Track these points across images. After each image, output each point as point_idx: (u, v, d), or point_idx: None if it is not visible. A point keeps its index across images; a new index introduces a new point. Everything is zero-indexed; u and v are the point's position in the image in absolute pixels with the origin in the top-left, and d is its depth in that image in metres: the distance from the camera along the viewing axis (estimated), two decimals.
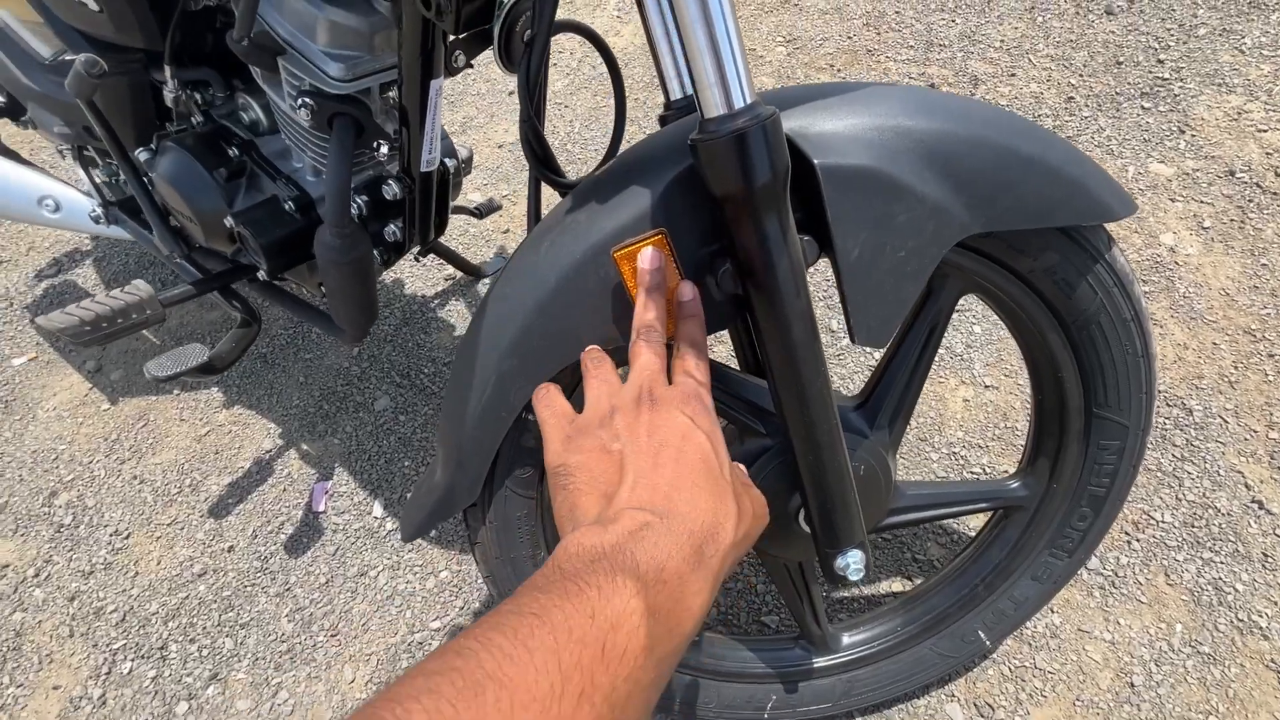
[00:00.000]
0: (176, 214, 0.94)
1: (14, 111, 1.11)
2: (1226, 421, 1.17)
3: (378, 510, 1.25)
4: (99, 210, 1.09)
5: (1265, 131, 1.64)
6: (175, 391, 1.49)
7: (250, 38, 0.68)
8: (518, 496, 0.69)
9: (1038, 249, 0.61)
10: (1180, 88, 1.77)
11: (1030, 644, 0.99)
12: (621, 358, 0.55)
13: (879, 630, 0.90)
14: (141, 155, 0.90)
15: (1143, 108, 1.74)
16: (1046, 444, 0.77)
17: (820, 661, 0.90)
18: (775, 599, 1.07)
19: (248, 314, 1.03)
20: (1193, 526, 1.07)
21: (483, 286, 1.58)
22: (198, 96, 0.90)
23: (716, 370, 0.68)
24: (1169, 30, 1.93)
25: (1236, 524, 1.06)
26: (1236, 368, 1.24)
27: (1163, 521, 1.08)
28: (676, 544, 0.36)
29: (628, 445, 0.41)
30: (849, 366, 1.34)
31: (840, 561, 0.66)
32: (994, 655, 0.98)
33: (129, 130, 0.91)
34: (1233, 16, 1.92)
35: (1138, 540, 1.06)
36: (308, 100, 0.73)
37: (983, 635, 0.87)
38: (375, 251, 0.92)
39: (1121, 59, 1.87)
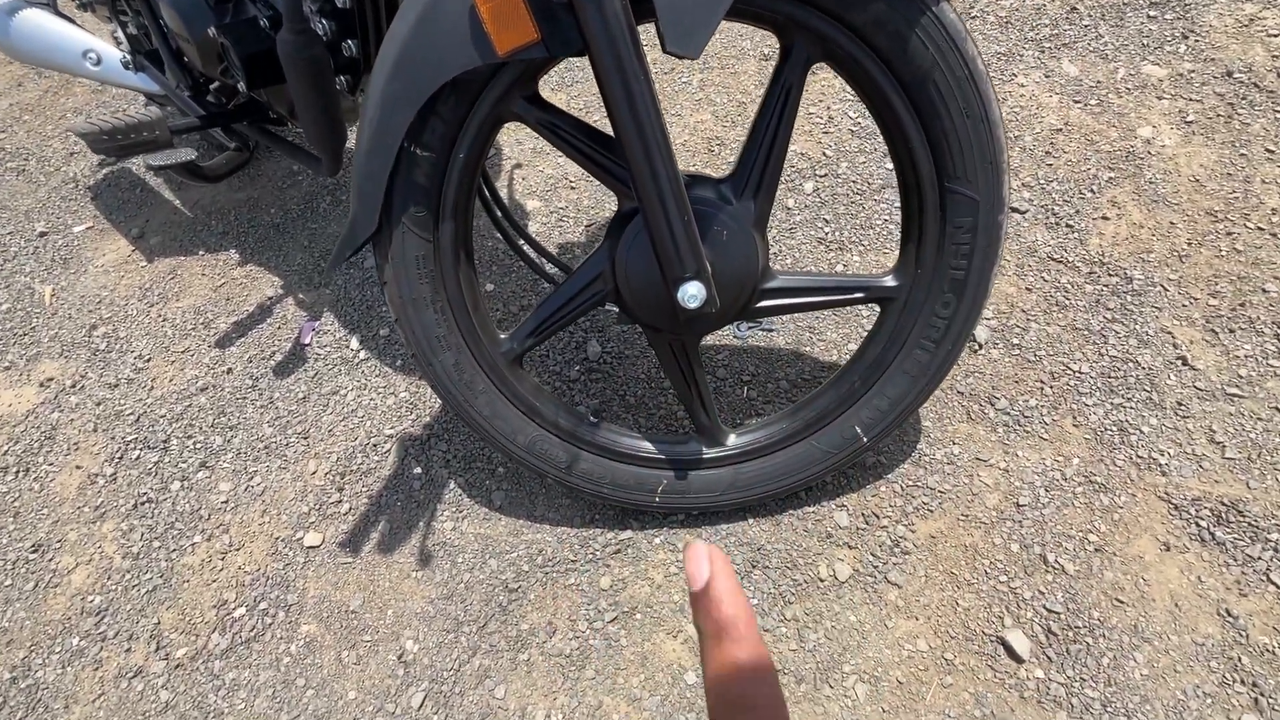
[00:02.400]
0: (176, 38, 1.09)
1: None
2: (1167, 289, 1.17)
3: (355, 344, 1.39)
4: (128, 57, 1.27)
5: (1277, 36, 1.57)
6: (200, 252, 1.68)
7: None
8: (415, 236, 0.80)
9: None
10: None
11: (925, 468, 1.03)
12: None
13: (767, 430, 0.97)
14: None
15: (1148, 16, 1.69)
16: (910, 228, 0.82)
17: (709, 453, 0.97)
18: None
19: (241, 144, 1.17)
20: (1109, 377, 1.08)
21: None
22: None
23: (595, 134, 0.77)
24: None
25: (1155, 377, 1.07)
26: (1190, 244, 1.22)
27: (1079, 372, 1.09)
28: None
29: None
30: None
31: (681, 292, 0.74)
32: (888, 475, 1.03)
33: None
34: None
35: (1050, 387, 1.08)
36: None
37: (859, 431, 0.93)
38: (341, 79, 1.05)
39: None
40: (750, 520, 1.02)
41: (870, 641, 0.90)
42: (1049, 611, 0.89)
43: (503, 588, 1.02)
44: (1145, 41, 1.63)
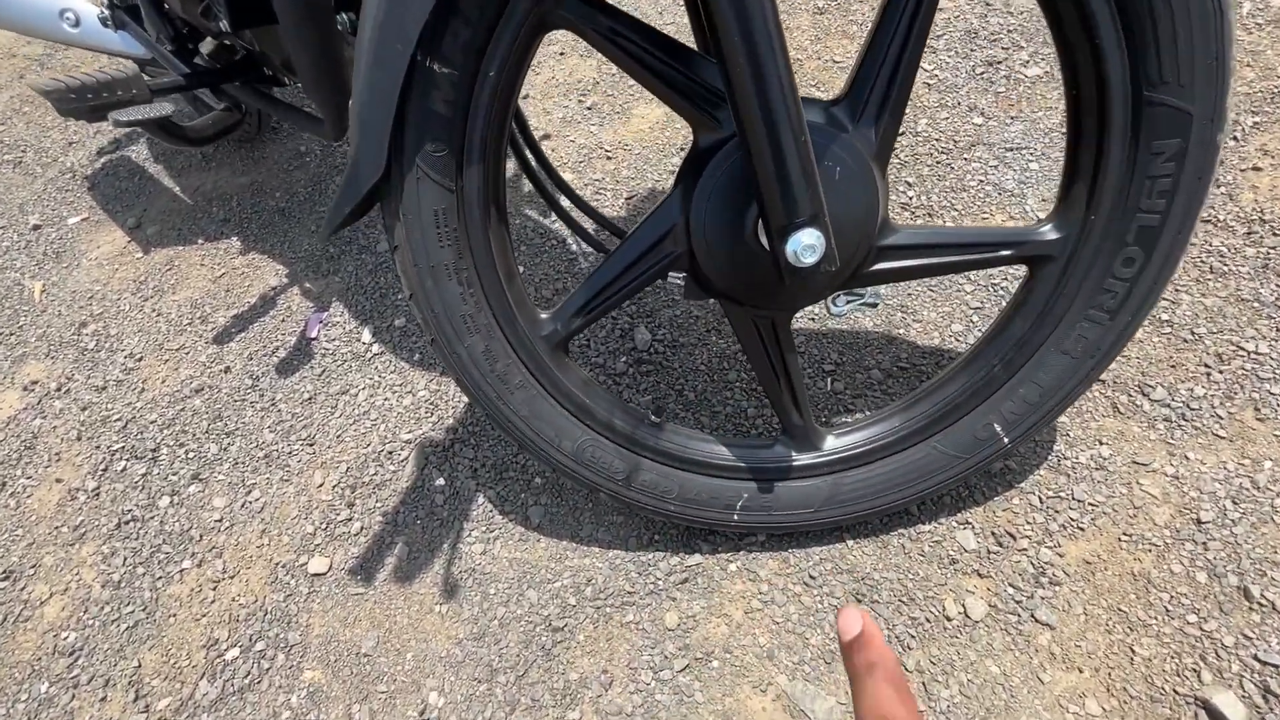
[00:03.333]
0: None
1: None
2: None
3: (366, 337, 1.22)
4: (106, 13, 1.11)
5: None
6: (200, 241, 1.53)
7: None
8: (433, 183, 0.61)
9: None
10: None
11: (1067, 475, 0.83)
12: None
13: (875, 430, 0.77)
14: None
15: None
16: (1083, 159, 0.62)
17: (802, 459, 0.78)
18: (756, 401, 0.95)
19: (232, 104, 1.01)
20: None
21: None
22: None
23: (671, 46, 0.58)
24: None
25: None
26: None
27: (1256, 353, 0.88)
28: None
29: None
30: None
31: (793, 244, 0.55)
32: (1020, 485, 0.83)
33: None
34: None
35: (1220, 373, 0.87)
36: None
37: (999, 429, 0.73)
38: (343, 17, 0.87)
39: None
40: (850, 542, 0.83)
41: (1022, 701, 0.70)
42: (1263, 664, 0.68)
43: (545, 626, 0.83)
44: None
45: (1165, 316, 0.93)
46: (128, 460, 1.14)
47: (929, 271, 0.69)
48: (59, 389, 1.30)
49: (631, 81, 1.51)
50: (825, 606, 0.79)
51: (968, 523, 0.82)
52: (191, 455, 1.13)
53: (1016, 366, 0.70)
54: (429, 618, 0.88)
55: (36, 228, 1.68)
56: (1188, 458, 0.81)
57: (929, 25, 0.57)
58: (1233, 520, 0.76)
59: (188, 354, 1.29)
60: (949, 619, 0.76)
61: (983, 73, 1.35)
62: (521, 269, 1.27)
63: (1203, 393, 0.86)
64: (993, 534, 0.80)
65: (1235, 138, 1.12)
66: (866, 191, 0.62)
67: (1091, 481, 0.82)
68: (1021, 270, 0.74)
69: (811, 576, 0.81)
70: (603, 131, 1.49)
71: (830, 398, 0.96)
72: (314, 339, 1.25)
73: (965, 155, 1.22)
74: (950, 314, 1.01)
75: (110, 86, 0.92)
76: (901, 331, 1.01)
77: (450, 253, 0.65)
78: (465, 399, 1.08)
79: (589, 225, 1.13)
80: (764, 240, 0.60)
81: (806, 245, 0.54)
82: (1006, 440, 0.73)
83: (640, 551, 0.87)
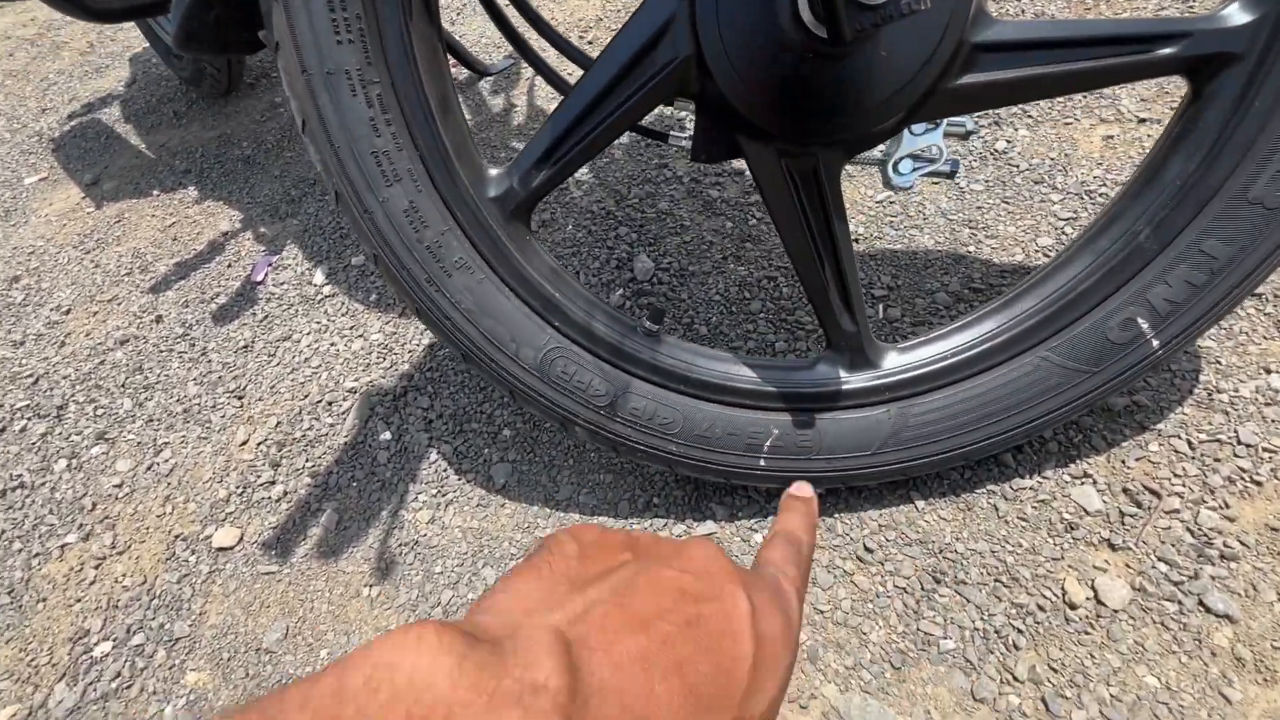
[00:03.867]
0: None
1: None
2: None
3: (319, 278, 1.03)
4: None
5: None
6: (155, 193, 1.37)
7: None
8: None
9: None
10: None
11: (1225, 412, 0.60)
12: None
13: (958, 339, 0.55)
14: None
15: None
16: None
17: (854, 381, 0.56)
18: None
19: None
20: None
21: (485, 84, 1.35)
22: None
23: None
24: None
25: None
26: None
27: None
28: None
29: (643, 566, 0.24)
30: None
31: None
32: (1157, 427, 0.60)
33: None
34: None
35: None
36: None
37: (1144, 325, 0.50)
38: None
39: None
40: (920, 503, 0.60)
41: None
42: None
43: None
44: None
45: None
46: (29, 419, 0.96)
47: (1045, 87, 0.47)
48: None
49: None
50: (889, 589, 0.56)
51: (1087, 476, 0.59)
52: (101, 413, 0.94)
53: (1176, 230, 0.48)
54: (354, 603, 0.66)
55: None
56: None
57: None
58: None
59: (119, 305, 1.12)
60: (1073, 607, 0.52)
61: None
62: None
63: None
64: (1126, 491, 0.57)
65: None
66: None
67: (1263, 420, 0.59)
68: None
69: (868, 549, 0.58)
70: None
71: (885, 326, 0.74)
72: (260, 283, 1.06)
73: None
74: (1034, 227, 0.79)
75: None
76: (972, 250, 0.79)
77: (353, 53, 0.45)
78: (427, 338, 0.88)
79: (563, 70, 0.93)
80: (804, 4, 0.39)
81: None
82: (1156, 344, 0.50)
83: (634, 518, 0.65)
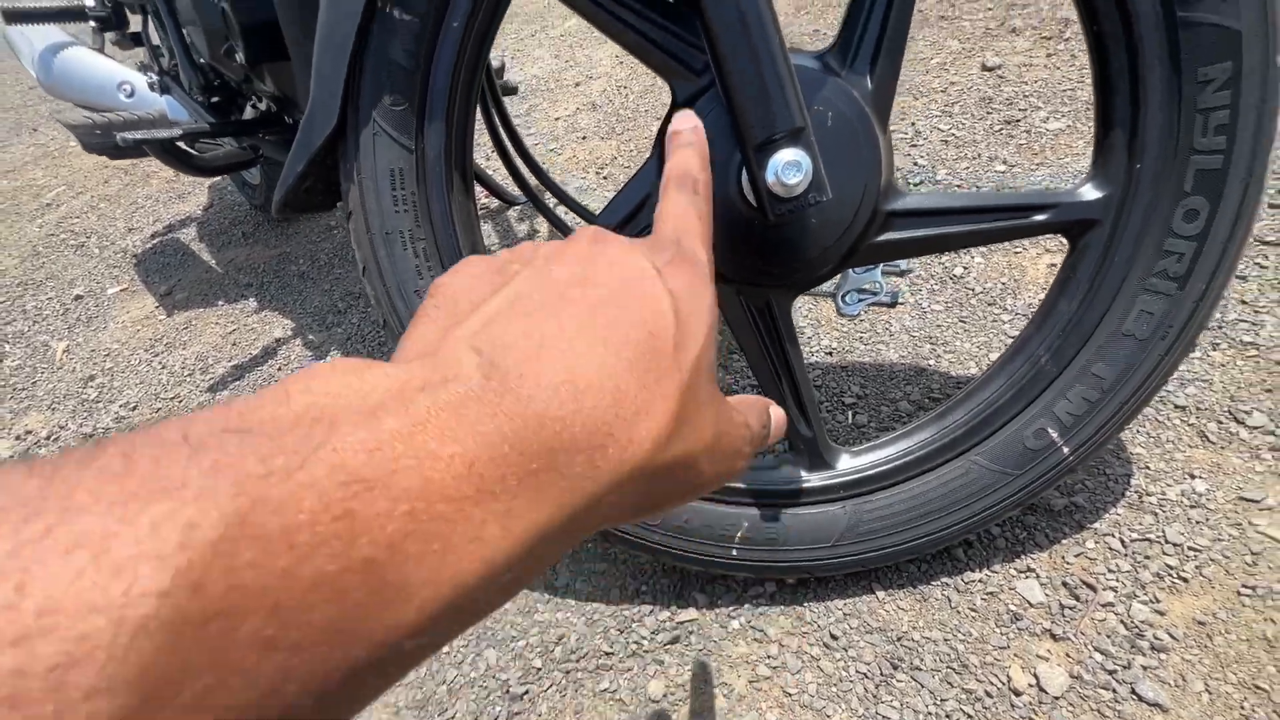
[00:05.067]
0: (189, 29, 1.00)
1: (116, 21, 1.29)
2: None
3: None
4: (154, 79, 1.20)
5: None
6: (220, 303, 1.56)
7: None
8: (391, 140, 0.58)
9: None
10: None
11: (1155, 513, 0.66)
12: None
13: (901, 445, 0.64)
14: None
15: None
16: (1117, 102, 0.54)
17: (813, 480, 0.65)
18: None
19: (250, 148, 1.04)
20: None
21: (514, 213, 1.55)
22: None
23: None
24: None
25: None
26: None
27: None
28: (474, 432, 0.16)
29: (532, 269, 0.23)
30: None
31: (772, 165, 0.47)
32: (1094, 526, 0.67)
33: None
34: None
35: None
36: None
37: (1054, 435, 0.59)
38: None
39: None
40: (882, 593, 0.66)
41: None
42: None
43: (503, 693, 0.67)
44: None
45: (1247, 338, 0.80)
46: None
47: (948, 243, 0.59)
48: (49, 437, 1.27)
49: (644, 155, 1.55)
50: (851, 675, 0.61)
51: (1030, 570, 0.65)
52: None
53: (1068, 356, 0.58)
54: None
55: (79, 298, 1.76)
56: None
57: None
58: None
59: (180, 403, 1.26)
60: (1017, 693, 0.57)
61: (1001, 130, 1.33)
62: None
63: None
64: (1065, 585, 0.63)
65: None
66: (865, 141, 0.55)
67: (1188, 521, 0.65)
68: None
69: (833, 636, 0.64)
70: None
71: (853, 431, 0.83)
72: None
73: None
74: (987, 344, 0.89)
75: (135, 124, 0.96)
76: (931, 363, 0.89)
77: (407, 219, 0.60)
78: None
79: (566, 215, 1.08)
80: (747, 187, 0.52)
81: (789, 163, 0.47)
82: (1067, 451, 0.59)
83: (623, 605, 0.72)
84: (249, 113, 1.13)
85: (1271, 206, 0.98)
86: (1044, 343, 0.59)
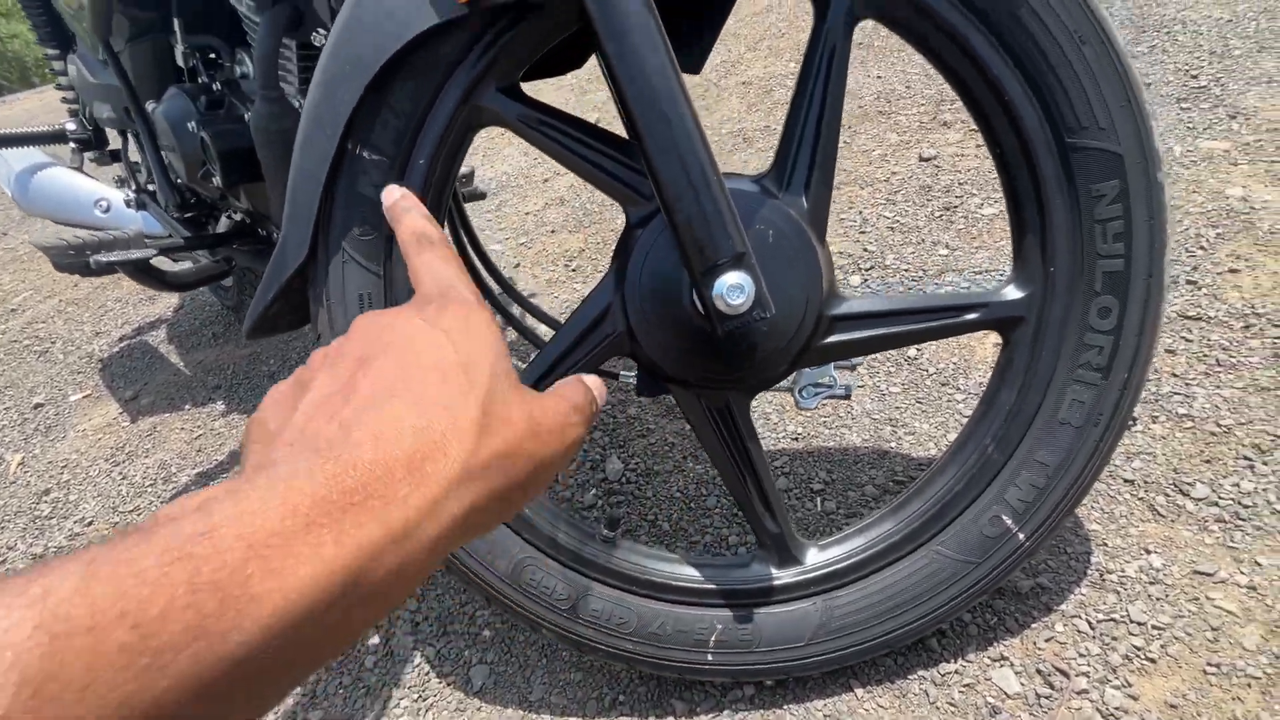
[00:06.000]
0: (165, 150, 1.04)
1: (96, 142, 1.34)
2: None
3: None
4: (131, 196, 1.24)
5: None
6: (187, 407, 1.54)
7: None
8: (360, 267, 0.60)
9: None
10: (1222, 91, 1.66)
11: (1117, 592, 0.68)
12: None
13: (865, 537, 0.66)
14: (149, 105, 1.04)
15: (1181, 108, 1.62)
16: (1026, 213, 0.60)
17: (783, 577, 0.65)
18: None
19: (224, 261, 1.07)
20: None
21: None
22: (206, 59, 1.04)
23: (595, 131, 0.61)
24: (1198, 58, 1.87)
25: None
26: None
27: None
28: (294, 489, 0.21)
29: (325, 371, 0.27)
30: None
31: (718, 288, 0.51)
32: (1061, 607, 0.68)
33: (150, 89, 1.07)
34: (1270, 37, 1.84)
35: (1264, 464, 0.76)
36: None
37: (1009, 521, 0.61)
38: None
39: (1150, 81, 1.81)
40: (860, 690, 0.65)
41: None
42: None
43: None
44: (1190, 125, 1.54)
45: (1182, 410, 0.84)
46: None
47: (890, 342, 0.63)
48: (1, 561, 1.21)
49: (611, 245, 1.61)
50: None
51: (1004, 659, 0.65)
52: None
53: (1012, 444, 0.61)
54: None
55: (38, 406, 1.72)
56: (1259, 563, 0.67)
57: (843, 88, 0.59)
58: None
59: (139, 516, 1.22)
60: None
61: (941, 215, 1.43)
62: None
63: (1251, 487, 0.73)
64: (1039, 672, 0.63)
65: (1202, 247, 1.12)
66: (804, 255, 0.59)
67: (1149, 599, 0.66)
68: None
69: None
70: (586, 288, 1.55)
71: (822, 519, 0.84)
72: None
73: (936, 280, 1.23)
74: (944, 424, 0.93)
75: (110, 244, 0.99)
76: (893, 445, 0.92)
77: None
78: None
79: (529, 320, 1.10)
80: (701, 309, 0.56)
81: (733, 286, 0.50)
82: (1022, 536, 0.61)
83: (601, 717, 0.69)
84: (223, 225, 1.17)
85: (1189, 283, 1.05)
86: (989, 432, 0.62)
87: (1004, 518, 0.61)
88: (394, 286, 0.62)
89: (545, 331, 1.20)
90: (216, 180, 0.96)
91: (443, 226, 0.65)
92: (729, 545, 0.84)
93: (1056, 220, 0.58)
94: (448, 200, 0.64)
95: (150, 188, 1.25)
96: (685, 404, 0.65)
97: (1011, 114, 0.57)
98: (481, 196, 1.34)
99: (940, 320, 0.62)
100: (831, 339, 0.62)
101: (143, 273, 0.96)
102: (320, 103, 0.55)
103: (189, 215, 1.13)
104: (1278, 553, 0.67)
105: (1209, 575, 0.67)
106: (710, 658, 0.64)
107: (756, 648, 0.64)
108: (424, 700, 0.76)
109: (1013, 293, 0.61)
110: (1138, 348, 0.57)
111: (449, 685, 0.77)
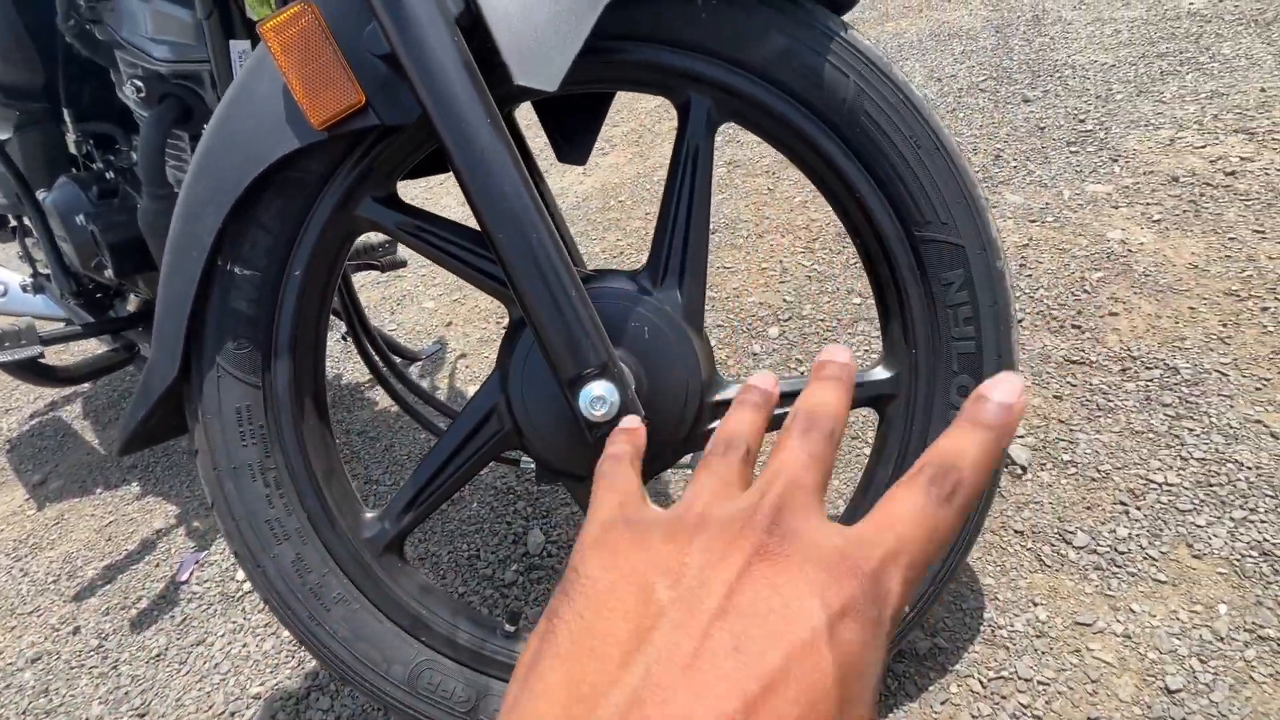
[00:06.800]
0: (58, 239, 1.01)
1: None
2: (1226, 374, 0.95)
3: (241, 574, 1.10)
4: (28, 280, 1.20)
5: (1203, 147, 1.59)
6: (99, 491, 1.46)
7: (82, 27, 0.80)
8: (235, 380, 0.60)
9: (758, 33, 0.57)
10: (1106, 134, 1.79)
11: (1006, 648, 0.70)
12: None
13: None
14: (41, 195, 1.01)
15: (1070, 152, 1.74)
16: (889, 299, 0.63)
17: None
18: None
19: (125, 348, 1.04)
20: (1211, 485, 0.80)
21: (415, 368, 1.57)
22: (99, 148, 1.02)
23: (472, 234, 0.62)
24: (1085, 102, 2.01)
25: (1272, 476, 0.80)
26: (1225, 325, 1.04)
27: (1167, 484, 0.82)
28: None
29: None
30: None
31: (584, 398, 0.52)
32: (955, 668, 0.70)
33: (42, 177, 1.04)
34: (1147, 81, 2.00)
35: (1137, 509, 0.80)
36: (137, 80, 0.82)
37: None
38: None
39: (1044, 125, 1.94)
40: None
41: None
42: None
43: None
44: (1078, 169, 1.65)
45: (1066, 457, 0.89)
46: None
47: (775, 423, 0.65)
48: None
49: None
50: None
51: None
52: None
53: None
54: None
55: None
56: (1133, 610, 0.71)
57: (709, 186, 0.62)
58: (1206, 684, 0.63)
59: (39, 617, 1.15)
60: None
61: (855, 263, 1.49)
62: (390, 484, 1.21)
63: (1126, 533, 0.78)
64: None
65: (1085, 290, 1.20)
66: (681, 349, 0.61)
67: (1035, 653, 0.69)
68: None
69: None
70: None
71: None
72: (184, 582, 1.12)
73: (849, 330, 1.28)
74: (853, 480, 0.96)
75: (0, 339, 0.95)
76: None
77: (254, 452, 0.61)
78: None
79: (426, 411, 1.10)
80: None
81: (597, 397, 0.52)
82: (906, 608, 0.63)
83: None
84: (123, 310, 1.13)
85: (1074, 327, 1.12)
86: (868, 506, 0.65)
87: None
88: (274, 397, 0.61)
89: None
90: (109, 273, 0.93)
91: (325, 331, 0.65)
92: None
93: (913, 306, 0.61)
94: (329, 303, 0.64)
95: (46, 272, 1.21)
96: (578, 496, 0.66)
97: (864, 210, 0.61)
98: (402, 264, 1.34)
99: None
100: (715, 425, 0.64)
101: (29, 371, 0.92)
102: (182, 230, 0.55)
103: (86, 301, 1.10)
104: (1149, 599, 0.71)
105: (1088, 625, 0.70)
106: None
107: None
108: None
109: (882, 372, 0.64)
110: None
111: None
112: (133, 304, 1.24)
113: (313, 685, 0.88)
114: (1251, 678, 0.63)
